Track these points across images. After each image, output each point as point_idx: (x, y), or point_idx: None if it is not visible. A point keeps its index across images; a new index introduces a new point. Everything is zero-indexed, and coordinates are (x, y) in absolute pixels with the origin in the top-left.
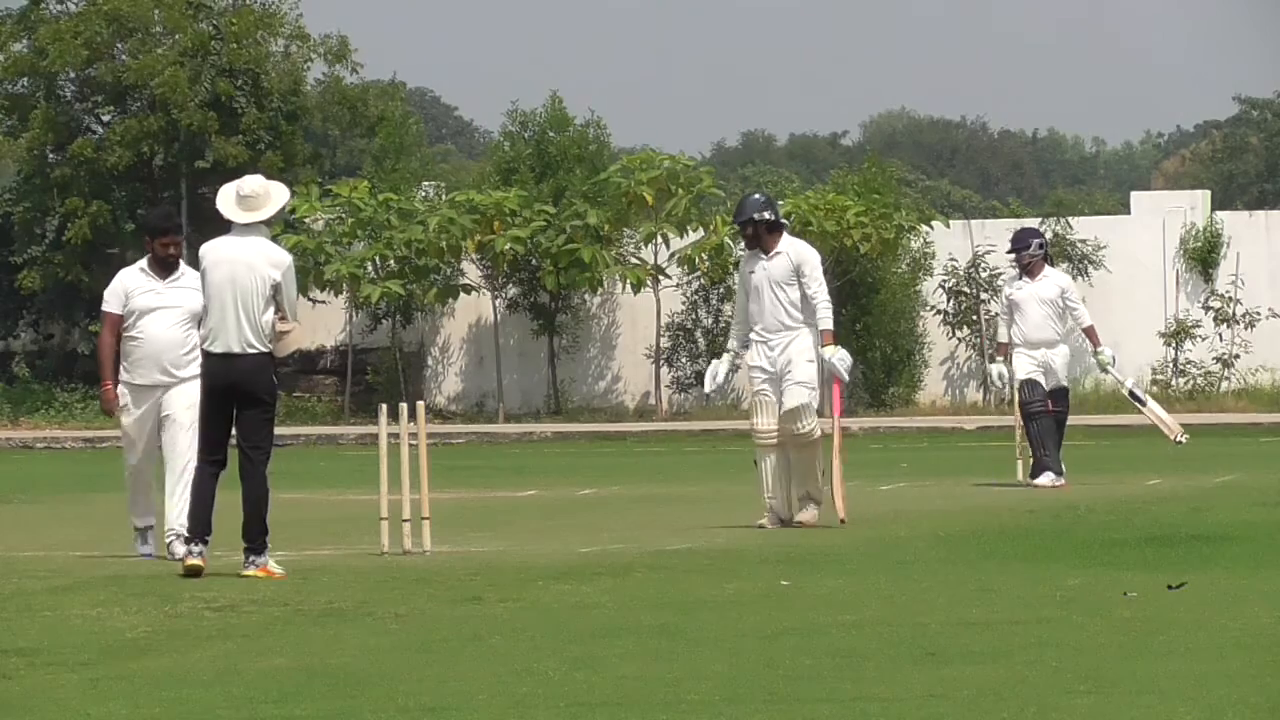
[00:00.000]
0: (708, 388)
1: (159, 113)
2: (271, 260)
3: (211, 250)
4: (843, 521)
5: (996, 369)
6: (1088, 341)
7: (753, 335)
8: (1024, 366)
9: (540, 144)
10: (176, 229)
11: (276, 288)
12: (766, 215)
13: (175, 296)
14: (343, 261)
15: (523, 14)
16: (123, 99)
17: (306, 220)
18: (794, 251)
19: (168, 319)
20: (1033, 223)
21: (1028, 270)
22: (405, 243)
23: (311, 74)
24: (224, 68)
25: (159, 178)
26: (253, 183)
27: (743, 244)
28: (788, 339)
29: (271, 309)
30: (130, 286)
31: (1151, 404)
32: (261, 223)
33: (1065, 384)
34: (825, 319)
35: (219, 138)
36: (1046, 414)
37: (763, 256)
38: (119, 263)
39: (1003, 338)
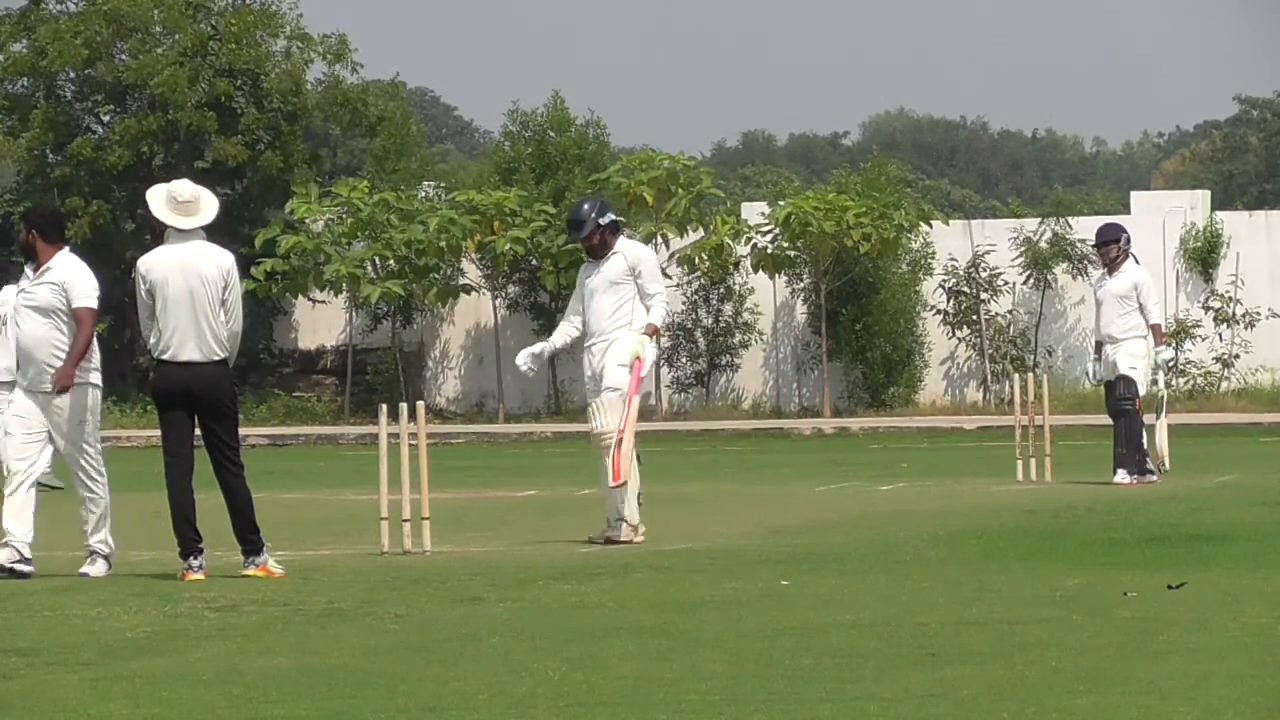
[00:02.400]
0: (522, 365)
1: (158, 113)
2: (220, 264)
3: (157, 262)
4: (616, 485)
5: (1093, 365)
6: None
7: (586, 342)
8: (1102, 362)
9: (541, 144)
10: (25, 219)
11: (226, 288)
12: (603, 220)
13: (39, 292)
14: (343, 261)
15: (523, 14)
16: (122, 99)
17: (306, 220)
18: (630, 251)
19: (32, 315)
20: (1033, 223)
21: (1112, 265)
22: (405, 243)
23: (311, 74)
24: (223, 68)
25: (159, 178)
26: (187, 187)
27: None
28: (605, 345)
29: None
30: (12, 289)
31: (1164, 422)
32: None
33: (1127, 374)
34: (655, 315)
35: (219, 138)
36: (1135, 413)
37: (599, 260)
38: (119, 262)
39: (1097, 335)
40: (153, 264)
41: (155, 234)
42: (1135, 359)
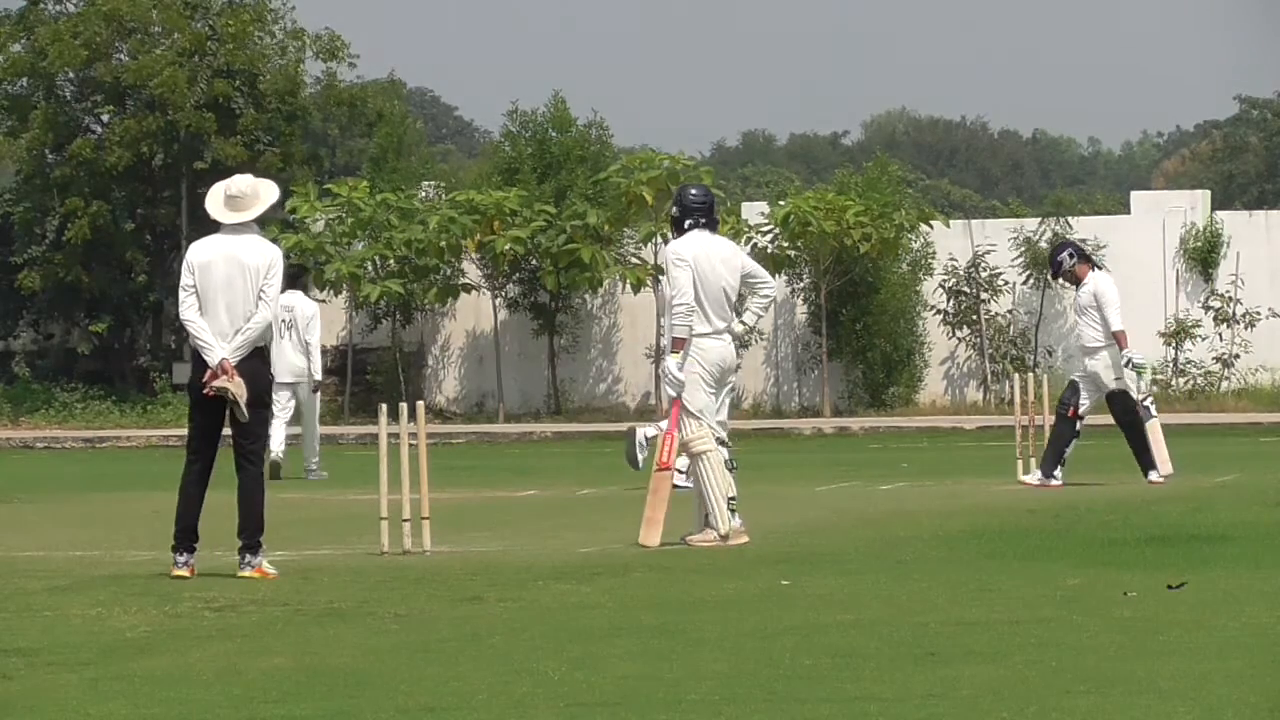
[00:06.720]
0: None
1: (158, 113)
2: (265, 254)
3: (202, 251)
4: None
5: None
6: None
7: None
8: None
9: (542, 144)
10: None
11: (267, 277)
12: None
13: None
14: (343, 261)
15: (523, 14)
16: (122, 99)
17: (306, 220)
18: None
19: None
20: (1033, 223)
21: (1072, 282)
22: (405, 242)
23: (309, 72)
24: (222, 69)
25: (158, 178)
26: (241, 182)
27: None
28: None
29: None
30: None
31: (1157, 425)
32: (252, 221)
33: (1112, 386)
34: (671, 325)
35: (218, 138)
36: (1137, 419)
37: None
38: (119, 262)
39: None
40: (199, 251)
41: (155, 234)
42: (1115, 369)
